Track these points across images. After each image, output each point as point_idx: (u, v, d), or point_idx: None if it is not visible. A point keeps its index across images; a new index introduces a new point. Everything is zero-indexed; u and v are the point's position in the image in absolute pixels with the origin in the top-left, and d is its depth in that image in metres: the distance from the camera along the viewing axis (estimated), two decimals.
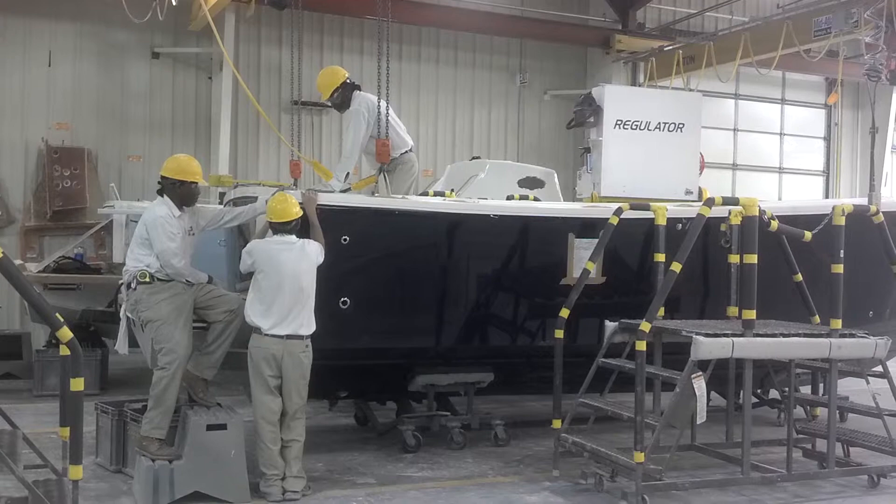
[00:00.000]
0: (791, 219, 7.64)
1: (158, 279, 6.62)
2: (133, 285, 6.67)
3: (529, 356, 8.16)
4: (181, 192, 6.84)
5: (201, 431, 6.47)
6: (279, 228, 6.67)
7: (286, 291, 6.51)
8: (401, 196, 8.10)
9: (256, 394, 6.62)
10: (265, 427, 6.57)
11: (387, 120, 8.02)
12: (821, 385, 8.06)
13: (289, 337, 6.53)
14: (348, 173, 8.17)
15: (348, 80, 8.51)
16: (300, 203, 6.84)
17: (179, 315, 6.60)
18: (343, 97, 8.48)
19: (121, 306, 7.30)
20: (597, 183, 9.46)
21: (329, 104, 8.72)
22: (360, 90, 8.51)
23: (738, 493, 6.86)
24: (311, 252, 6.69)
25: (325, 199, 7.19)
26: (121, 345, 7.11)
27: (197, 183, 6.92)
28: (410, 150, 8.66)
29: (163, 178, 6.91)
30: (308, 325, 6.62)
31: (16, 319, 13.38)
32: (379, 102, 8.09)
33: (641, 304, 6.97)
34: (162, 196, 6.88)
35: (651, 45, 17.25)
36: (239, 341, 7.02)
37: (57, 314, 4.85)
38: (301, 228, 6.81)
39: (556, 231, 7.91)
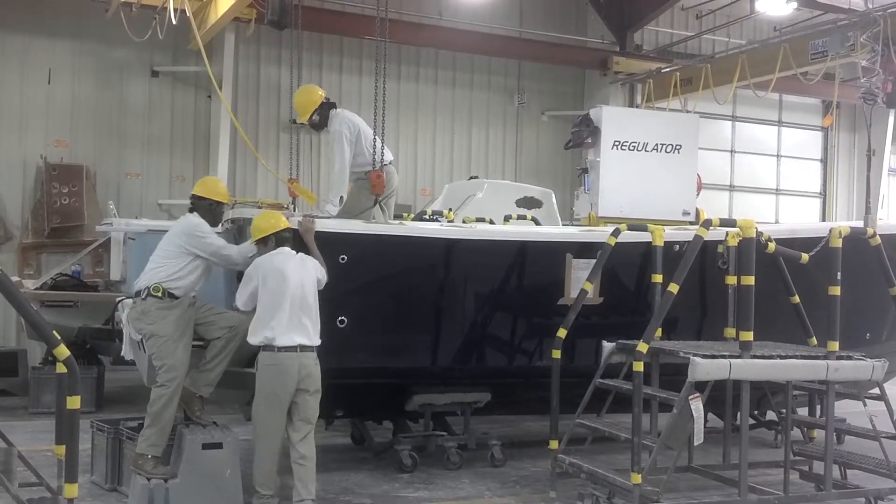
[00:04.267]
0: (788, 241, 7.66)
1: (170, 295, 6.62)
2: (143, 295, 6.66)
3: (527, 376, 8.15)
4: (217, 213, 7.01)
5: (197, 450, 6.45)
6: (278, 242, 6.64)
7: (293, 300, 6.41)
8: (398, 222, 8.12)
9: (263, 413, 6.47)
10: (267, 446, 6.44)
11: (382, 150, 8.01)
12: (818, 407, 8.04)
13: (303, 348, 6.40)
14: (342, 197, 8.15)
15: (326, 100, 8.49)
16: (297, 230, 6.85)
17: (183, 333, 6.59)
18: (322, 117, 8.43)
19: (118, 322, 7.30)
20: (594, 203, 9.49)
21: (307, 125, 8.59)
22: (335, 108, 8.50)
23: None
24: (311, 266, 6.67)
25: (324, 224, 7.22)
26: (126, 350, 7.10)
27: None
28: (390, 164, 8.61)
29: (199, 198, 6.99)
30: (316, 337, 6.55)
31: (12, 336, 13.36)
32: (375, 128, 8.07)
33: (639, 325, 6.97)
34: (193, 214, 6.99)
35: (648, 67, 17.35)
36: (235, 360, 7.02)
37: (54, 331, 4.85)
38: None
39: (554, 253, 7.92)
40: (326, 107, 8.43)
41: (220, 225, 8.60)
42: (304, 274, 6.57)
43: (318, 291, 6.69)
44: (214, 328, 6.81)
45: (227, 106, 12.47)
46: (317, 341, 6.55)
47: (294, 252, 6.67)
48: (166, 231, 7.23)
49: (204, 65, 14.62)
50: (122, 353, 7.17)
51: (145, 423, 6.54)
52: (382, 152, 8.15)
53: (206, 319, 6.80)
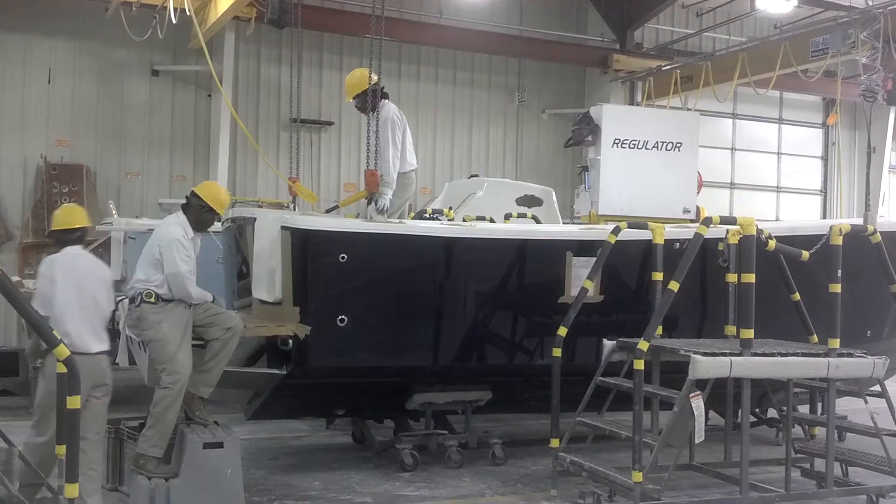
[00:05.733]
0: (789, 239, 7.65)
1: (164, 300, 6.58)
2: (137, 302, 6.62)
3: (527, 375, 8.15)
4: (205, 219, 6.85)
5: (198, 450, 6.44)
6: (63, 239, 6.34)
7: (92, 301, 6.21)
8: (397, 220, 8.11)
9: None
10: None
11: (376, 147, 8.00)
12: (819, 404, 8.04)
13: (100, 353, 6.22)
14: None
15: (376, 86, 8.43)
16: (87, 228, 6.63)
17: (183, 335, 6.55)
18: (363, 100, 8.46)
19: (118, 322, 7.28)
20: (595, 201, 9.51)
21: (354, 104, 8.69)
22: (387, 99, 8.60)
23: None
24: (104, 268, 6.56)
25: (323, 223, 7.22)
26: (121, 357, 7.07)
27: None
28: (414, 171, 8.70)
29: (196, 197, 6.85)
30: (107, 340, 6.33)
31: (12, 336, 13.35)
32: (368, 124, 8.04)
33: (639, 323, 6.97)
34: (183, 213, 6.83)
35: (649, 65, 17.33)
36: (235, 359, 7.01)
37: (54, 331, 4.85)
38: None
39: (554, 251, 7.92)
40: (375, 93, 8.39)
41: (221, 224, 8.61)
42: (98, 272, 6.41)
43: (315, 286, 6.59)
44: (213, 329, 6.76)
45: (227, 101, 12.43)
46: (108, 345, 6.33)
47: (82, 250, 6.46)
48: None
49: (204, 64, 14.69)
50: (117, 360, 7.14)
51: (147, 424, 6.51)
52: (368, 159, 8.14)
53: (205, 321, 6.76)
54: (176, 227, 6.72)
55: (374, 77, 8.32)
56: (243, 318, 7.32)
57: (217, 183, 7.20)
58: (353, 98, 8.59)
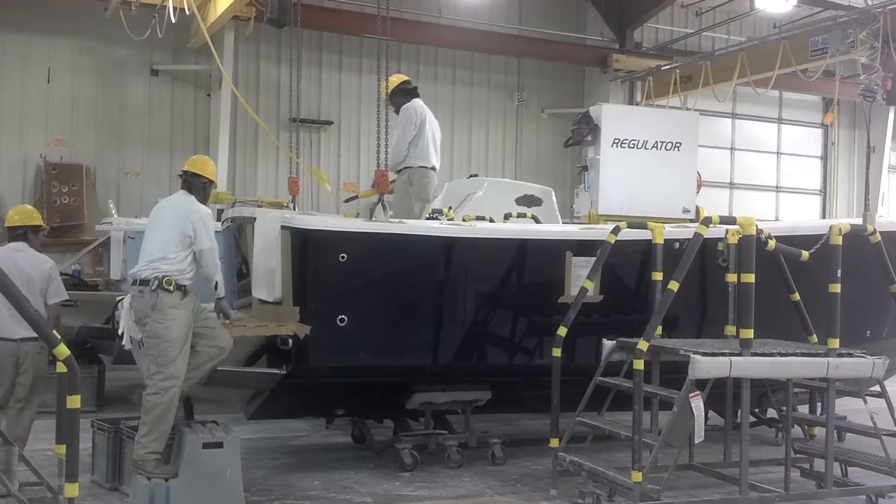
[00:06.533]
0: (788, 238, 7.65)
1: (180, 288, 6.42)
2: (153, 286, 6.39)
3: (527, 375, 8.15)
4: (209, 192, 6.87)
5: (197, 449, 6.42)
6: (10, 235, 7.13)
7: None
8: (397, 220, 8.11)
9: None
10: None
11: (385, 145, 8.01)
12: (818, 404, 8.04)
13: (24, 340, 6.78)
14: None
15: (405, 85, 8.89)
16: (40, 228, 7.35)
17: (186, 340, 6.39)
18: (394, 98, 8.76)
19: (118, 321, 7.20)
20: (594, 201, 9.50)
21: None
22: (414, 96, 8.95)
23: None
24: (38, 268, 7.00)
25: (324, 223, 7.24)
26: (127, 340, 6.94)
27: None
28: (432, 169, 8.79)
29: (195, 175, 6.78)
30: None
31: None
32: (378, 123, 8.05)
33: (639, 323, 6.97)
34: (189, 192, 6.78)
35: (648, 65, 17.36)
36: (233, 359, 7.01)
37: (54, 331, 4.85)
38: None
39: (554, 251, 7.92)
40: (401, 92, 8.73)
41: (221, 224, 8.61)
42: (23, 270, 6.87)
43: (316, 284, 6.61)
44: (205, 341, 6.59)
45: (235, 91, 12.43)
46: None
47: (27, 247, 7.10)
48: None
49: (203, 63, 14.73)
50: (123, 344, 7.03)
51: (141, 431, 6.34)
52: (378, 160, 8.16)
53: (202, 331, 6.59)
54: (199, 204, 6.72)
55: (402, 78, 8.75)
56: (243, 317, 7.32)
57: (200, 155, 7.19)
58: (387, 97, 8.84)
